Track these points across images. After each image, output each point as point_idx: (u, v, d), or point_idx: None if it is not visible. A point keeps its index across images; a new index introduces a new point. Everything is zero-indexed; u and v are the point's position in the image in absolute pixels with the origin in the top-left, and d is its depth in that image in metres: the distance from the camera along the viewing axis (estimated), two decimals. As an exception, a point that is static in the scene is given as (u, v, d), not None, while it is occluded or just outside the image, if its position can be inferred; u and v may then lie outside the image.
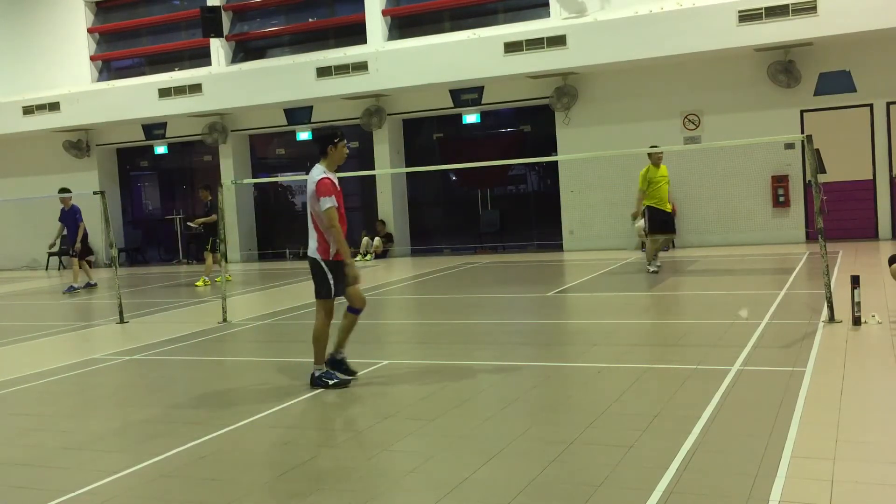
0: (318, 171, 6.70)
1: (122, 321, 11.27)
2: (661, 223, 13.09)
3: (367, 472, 4.74)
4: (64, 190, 16.42)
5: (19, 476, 5.11)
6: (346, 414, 6.03)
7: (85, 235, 16.69)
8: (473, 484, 4.44)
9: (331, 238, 6.71)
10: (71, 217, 16.44)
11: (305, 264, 7.17)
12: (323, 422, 5.90)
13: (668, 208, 13.18)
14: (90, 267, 17.20)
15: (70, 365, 8.49)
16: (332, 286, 6.80)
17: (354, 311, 6.95)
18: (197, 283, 15.67)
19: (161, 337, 9.93)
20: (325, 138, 6.79)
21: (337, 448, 5.18)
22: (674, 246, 16.89)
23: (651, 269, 13.03)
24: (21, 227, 22.70)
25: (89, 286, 16.43)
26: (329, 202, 6.59)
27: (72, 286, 16.05)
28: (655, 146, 13.19)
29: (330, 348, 6.91)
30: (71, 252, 16.55)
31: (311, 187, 6.68)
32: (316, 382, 6.78)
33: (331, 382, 6.73)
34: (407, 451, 5.10)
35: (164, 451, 5.30)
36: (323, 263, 6.77)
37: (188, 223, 18.56)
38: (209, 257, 15.79)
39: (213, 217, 15.27)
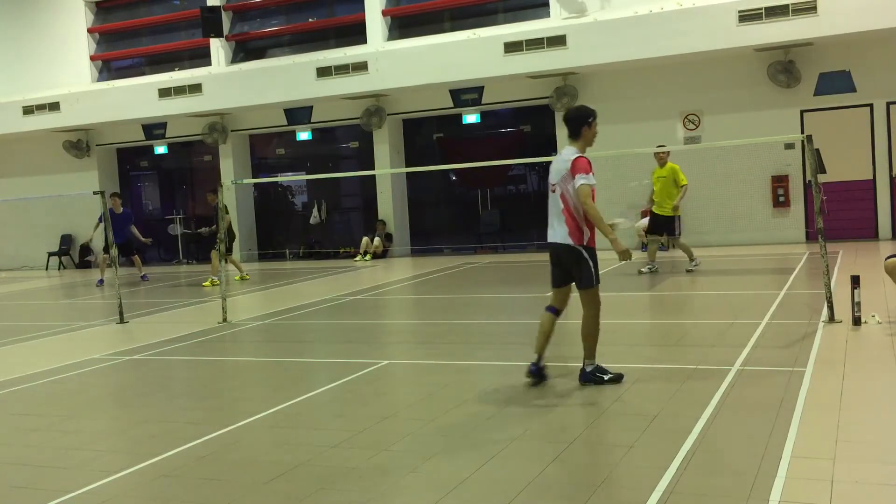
0: (572, 152, 6.33)
1: (122, 321, 11.26)
2: (651, 224, 13.37)
3: (367, 472, 4.74)
4: (115, 194, 17.33)
5: (19, 476, 5.11)
6: (346, 414, 6.03)
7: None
8: (473, 484, 4.44)
9: (591, 217, 6.30)
10: (126, 220, 17.01)
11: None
12: (323, 422, 5.90)
13: (661, 210, 13.07)
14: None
15: (70, 365, 8.49)
16: (595, 272, 6.49)
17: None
18: (205, 284, 15.60)
19: (161, 337, 9.93)
20: (580, 118, 6.40)
21: (337, 448, 5.18)
22: (665, 248, 16.88)
23: (641, 270, 13.09)
24: (21, 227, 22.70)
25: (144, 279, 17.18)
26: (584, 179, 6.19)
27: (144, 276, 17.35)
28: (661, 146, 13.19)
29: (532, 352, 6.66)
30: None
31: (562, 166, 6.31)
32: (587, 378, 6.41)
33: (605, 378, 6.38)
34: (407, 451, 5.10)
35: (164, 451, 5.30)
36: (582, 250, 6.39)
37: (199, 231, 18.68)
38: (216, 257, 15.71)
39: (227, 219, 15.15)
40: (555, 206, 6.40)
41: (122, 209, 17.08)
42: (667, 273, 13.42)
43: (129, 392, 7.37)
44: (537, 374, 6.49)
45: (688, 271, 12.92)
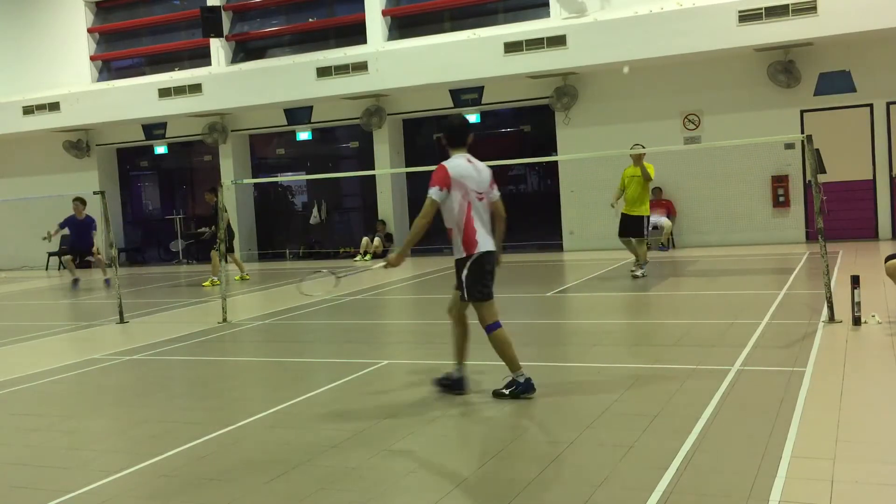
0: (480, 162, 6.27)
1: (122, 321, 11.26)
2: (621, 226, 12.81)
3: (367, 472, 4.74)
4: (79, 199, 16.76)
5: (19, 476, 5.11)
6: (347, 414, 6.03)
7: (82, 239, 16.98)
8: (473, 484, 4.44)
9: (503, 226, 6.33)
10: (89, 226, 16.84)
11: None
12: (323, 422, 5.90)
13: (634, 211, 12.60)
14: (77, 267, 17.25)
15: (70, 365, 8.49)
16: None
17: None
18: (204, 284, 15.57)
19: (161, 337, 9.93)
20: (468, 126, 6.34)
21: (337, 448, 5.18)
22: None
23: (636, 274, 12.58)
24: (21, 227, 22.68)
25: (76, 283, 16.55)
26: (497, 189, 6.35)
27: (108, 280, 16.68)
28: (638, 144, 12.66)
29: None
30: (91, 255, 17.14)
31: (488, 175, 6.25)
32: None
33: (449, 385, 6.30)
34: (407, 451, 5.11)
35: (164, 451, 5.30)
36: None
37: (198, 232, 18.57)
38: (216, 256, 15.67)
39: (226, 217, 15.07)
40: (486, 213, 6.20)
41: (84, 215, 16.82)
42: (667, 273, 13.43)
43: (129, 392, 7.37)
44: (533, 387, 6.17)
45: (632, 273, 12.45)
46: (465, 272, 6.13)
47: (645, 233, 12.70)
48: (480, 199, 6.16)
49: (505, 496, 4.22)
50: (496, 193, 6.33)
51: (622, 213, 12.87)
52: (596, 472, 4.46)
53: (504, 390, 6.15)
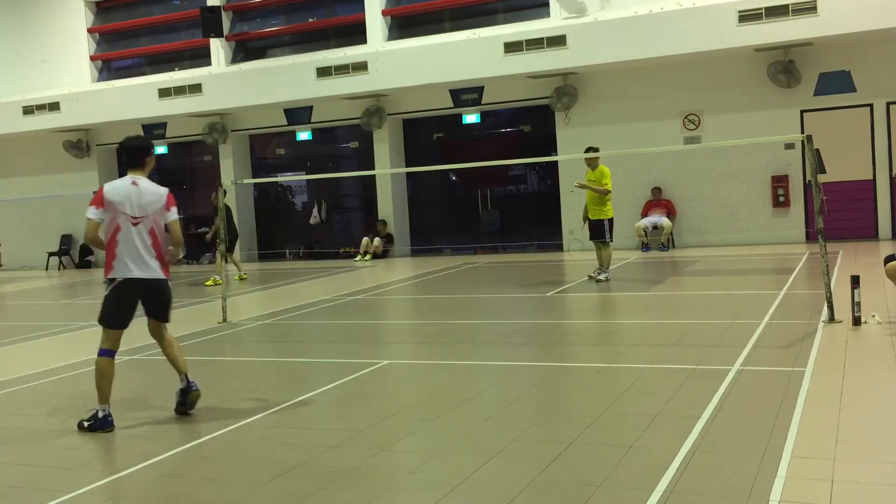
0: (153, 184, 6.27)
1: (122, 321, 11.24)
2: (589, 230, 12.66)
3: (367, 472, 4.74)
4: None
5: (19, 476, 5.11)
6: (346, 414, 6.03)
7: None
8: (473, 484, 4.44)
9: (175, 253, 6.31)
10: None
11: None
12: (323, 422, 5.90)
13: (594, 215, 12.44)
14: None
15: (70, 365, 8.49)
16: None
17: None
18: (207, 283, 15.58)
19: (161, 337, 9.90)
20: (146, 147, 6.42)
21: (337, 448, 5.18)
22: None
23: (597, 278, 12.32)
24: (21, 227, 22.70)
25: None
26: (175, 212, 6.26)
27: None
28: (592, 148, 12.53)
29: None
30: None
31: (155, 199, 6.14)
32: (190, 404, 6.28)
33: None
34: (407, 451, 5.10)
35: (164, 451, 5.30)
36: (168, 283, 6.29)
37: (206, 237, 18.46)
38: (220, 256, 15.64)
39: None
40: (141, 241, 6.04)
41: None
42: (667, 273, 13.43)
43: (130, 392, 7.37)
44: (110, 424, 6.02)
45: (589, 276, 12.34)
46: (106, 292, 6.12)
47: (606, 236, 12.35)
48: (135, 224, 6.04)
49: (505, 496, 4.21)
50: (171, 216, 6.22)
51: (587, 218, 12.67)
52: (596, 472, 4.46)
53: (85, 421, 6.03)
